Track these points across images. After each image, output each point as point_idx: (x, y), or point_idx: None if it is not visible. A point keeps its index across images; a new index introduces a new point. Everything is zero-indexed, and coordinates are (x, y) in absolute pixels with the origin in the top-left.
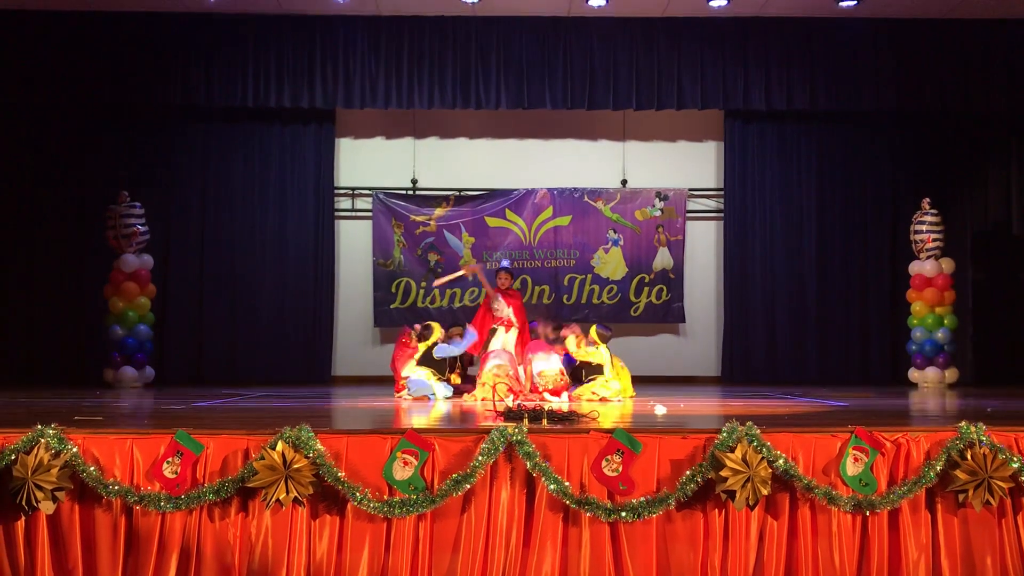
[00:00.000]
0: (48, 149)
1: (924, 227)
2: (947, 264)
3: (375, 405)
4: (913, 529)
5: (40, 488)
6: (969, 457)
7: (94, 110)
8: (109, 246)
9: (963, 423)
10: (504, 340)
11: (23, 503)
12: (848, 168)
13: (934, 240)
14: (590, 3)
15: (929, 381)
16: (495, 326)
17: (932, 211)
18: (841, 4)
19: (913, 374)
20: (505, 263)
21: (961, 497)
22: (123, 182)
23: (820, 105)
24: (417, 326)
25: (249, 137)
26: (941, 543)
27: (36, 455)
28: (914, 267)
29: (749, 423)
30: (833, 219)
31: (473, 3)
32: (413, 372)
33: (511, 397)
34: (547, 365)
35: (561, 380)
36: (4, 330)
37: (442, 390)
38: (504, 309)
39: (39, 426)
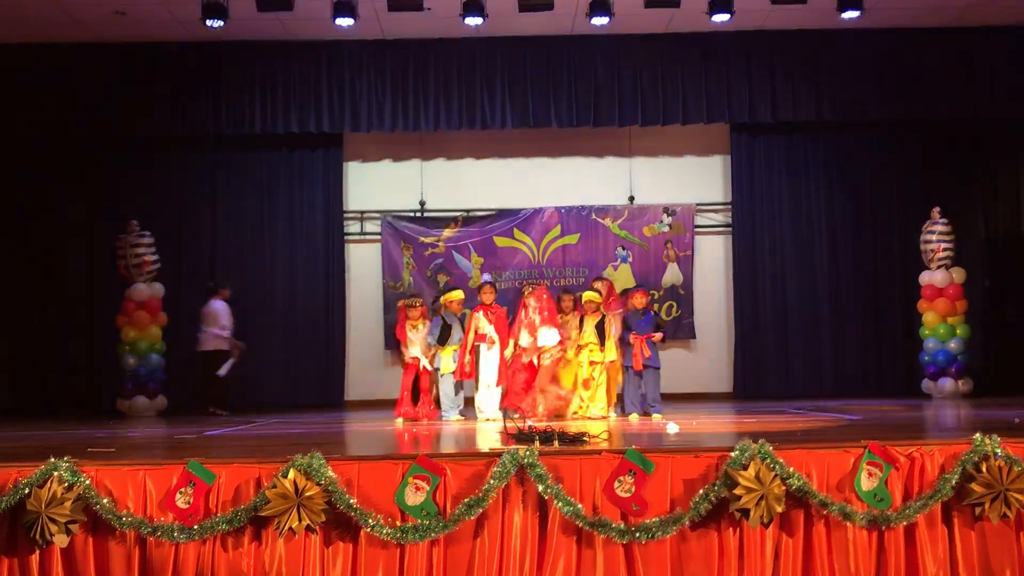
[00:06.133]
0: (57, 180)
1: (934, 236)
2: (958, 273)
3: (386, 430)
4: (930, 544)
5: (54, 521)
6: (984, 470)
7: (103, 140)
8: (120, 276)
9: (977, 435)
10: (487, 357)
11: (37, 536)
12: (857, 178)
13: (945, 249)
14: (593, 21)
15: (943, 392)
16: (477, 344)
17: (942, 220)
18: (843, 16)
19: (927, 385)
20: (487, 277)
21: (978, 510)
22: (133, 211)
23: (826, 116)
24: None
25: (257, 163)
26: (959, 557)
27: (49, 488)
28: (925, 277)
29: (761, 440)
30: (843, 230)
31: (477, 25)
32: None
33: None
34: (548, 340)
35: (559, 352)
36: (18, 362)
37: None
38: (485, 327)
39: (52, 459)
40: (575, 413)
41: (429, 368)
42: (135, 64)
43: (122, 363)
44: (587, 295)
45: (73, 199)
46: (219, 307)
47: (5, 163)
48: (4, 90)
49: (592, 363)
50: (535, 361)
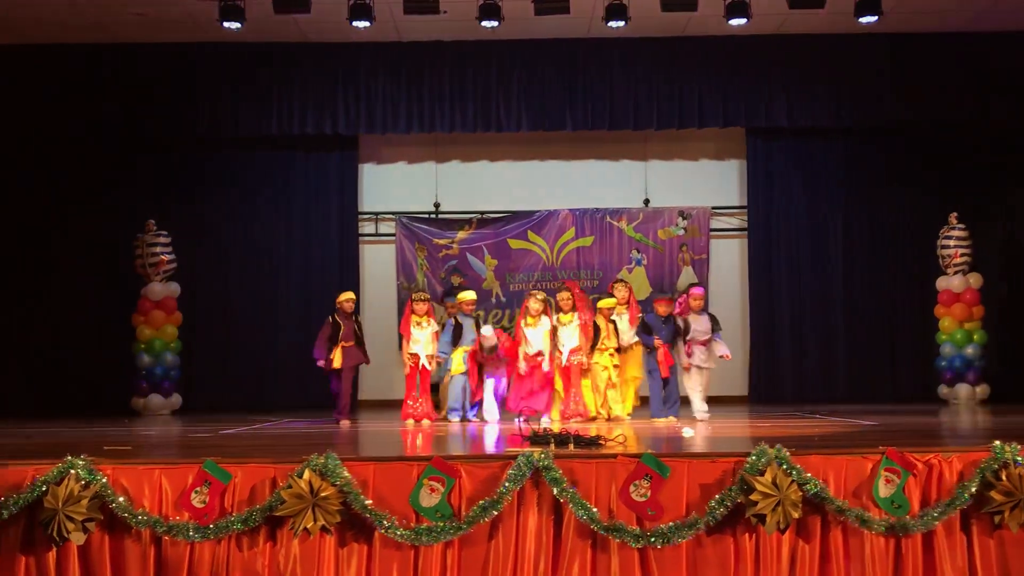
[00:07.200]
0: (76, 180)
1: (952, 242)
2: (975, 279)
3: (400, 430)
4: (948, 552)
5: (71, 519)
6: (1004, 478)
7: (122, 141)
8: (136, 275)
9: (997, 443)
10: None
11: (54, 534)
12: (873, 183)
13: (962, 255)
14: (610, 24)
15: (960, 398)
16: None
17: (960, 226)
18: (861, 20)
19: (943, 390)
20: (488, 342)
21: (997, 519)
22: (149, 211)
23: (843, 121)
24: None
25: (274, 164)
26: (978, 566)
27: (66, 486)
28: (942, 282)
29: (778, 446)
30: (859, 235)
31: (493, 27)
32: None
33: None
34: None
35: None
36: (34, 360)
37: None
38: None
39: (69, 457)
40: (594, 416)
41: (428, 368)
42: (153, 66)
43: (137, 362)
44: (604, 302)
45: (90, 199)
46: None
47: (24, 164)
48: (22, 91)
49: (615, 366)
50: (561, 361)
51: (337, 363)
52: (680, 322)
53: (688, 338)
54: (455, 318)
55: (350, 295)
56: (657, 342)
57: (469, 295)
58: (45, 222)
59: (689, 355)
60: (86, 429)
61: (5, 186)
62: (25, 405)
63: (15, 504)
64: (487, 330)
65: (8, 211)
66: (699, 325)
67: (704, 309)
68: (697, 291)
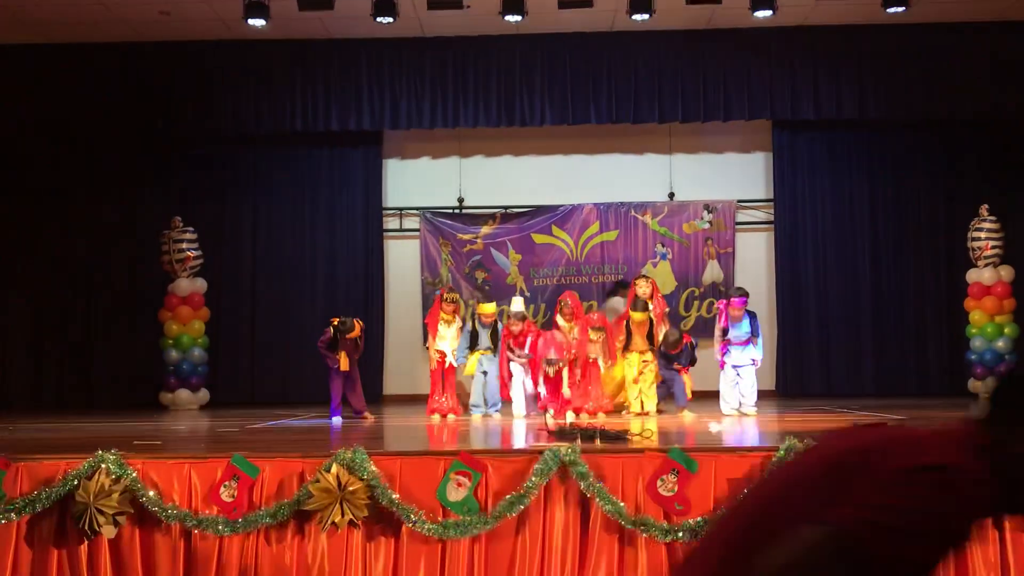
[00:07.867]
0: (103, 178)
1: (982, 234)
2: (1006, 272)
3: (426, 425)
4: (980, 547)
5: (102, 513)
6: None
7: (148, 138)
8: (164, 271)
9: None
10: (525, 381)
11: (85, 528)
12: (901, 175)
13: (992, 247)
14: (634, 17)
15: (990, 391)
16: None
17: (990, 218)
18: (889, 10)
19: (973, 384)
20: (516, 307)
21: None
22: (176, 208)
23: (870, 113)
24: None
25: (298, 160)
26: (1010, 561)
27: (97, 480)
28: (972, 275)
29: (807, 440)
30: (887, 227)
31: (516, 22)
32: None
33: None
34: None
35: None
36: (62, 355)
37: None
38: (521, 357)
39: (100, 451)
40: (624, 410)
41: (455, 364)
42: (178, 63)
43: (165, 357)
44: (636, 315)
45: (117, 195)
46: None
47: (50, 161)
48: (50, 89)
49: (644, 362)
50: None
51: (344, 366)
52: (716, 329)
53: (725, 338)
54: (473, 324)
55: (358, 329)
56: (677, 366)
57: (489, 307)
58: (72, 220)
59: (724, 353)
60: (115, 424)
61: (31, 183)
62: (55, 400)
63: (47, 498)
64: (517, 302)
65: (32, 211)
66: (737, 329)
67: (745, 313)
68: (738, 302)
